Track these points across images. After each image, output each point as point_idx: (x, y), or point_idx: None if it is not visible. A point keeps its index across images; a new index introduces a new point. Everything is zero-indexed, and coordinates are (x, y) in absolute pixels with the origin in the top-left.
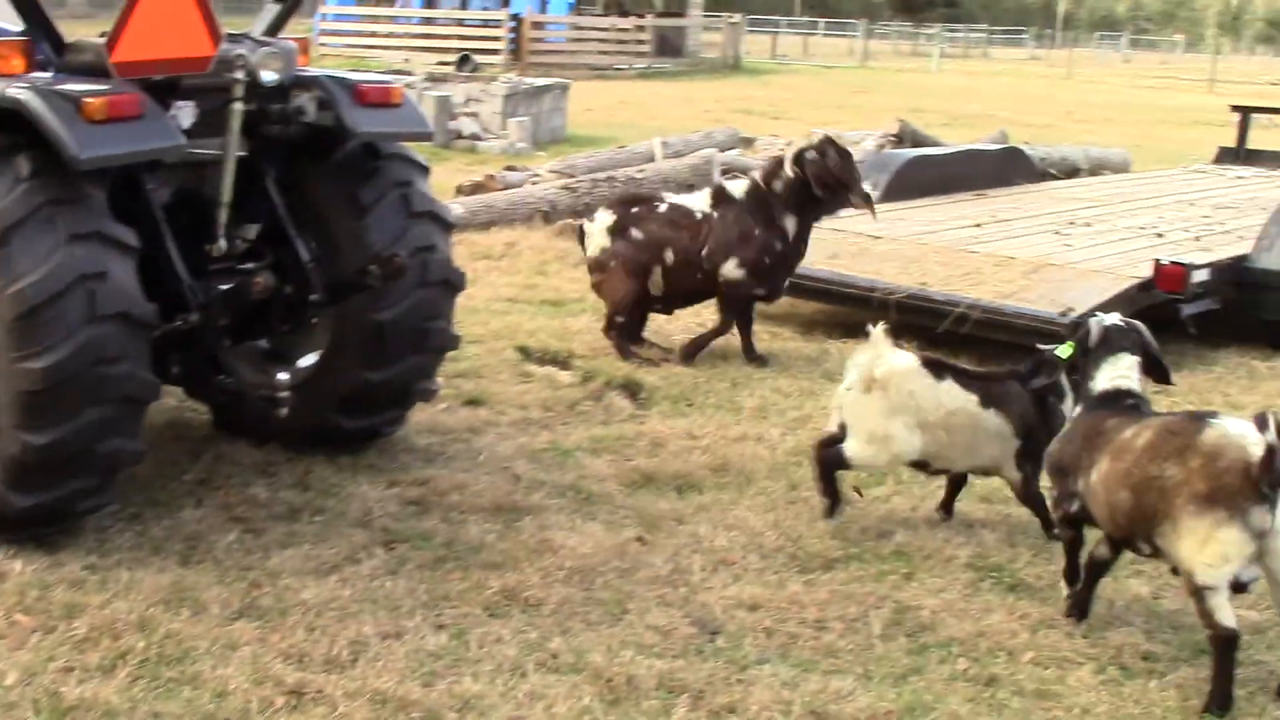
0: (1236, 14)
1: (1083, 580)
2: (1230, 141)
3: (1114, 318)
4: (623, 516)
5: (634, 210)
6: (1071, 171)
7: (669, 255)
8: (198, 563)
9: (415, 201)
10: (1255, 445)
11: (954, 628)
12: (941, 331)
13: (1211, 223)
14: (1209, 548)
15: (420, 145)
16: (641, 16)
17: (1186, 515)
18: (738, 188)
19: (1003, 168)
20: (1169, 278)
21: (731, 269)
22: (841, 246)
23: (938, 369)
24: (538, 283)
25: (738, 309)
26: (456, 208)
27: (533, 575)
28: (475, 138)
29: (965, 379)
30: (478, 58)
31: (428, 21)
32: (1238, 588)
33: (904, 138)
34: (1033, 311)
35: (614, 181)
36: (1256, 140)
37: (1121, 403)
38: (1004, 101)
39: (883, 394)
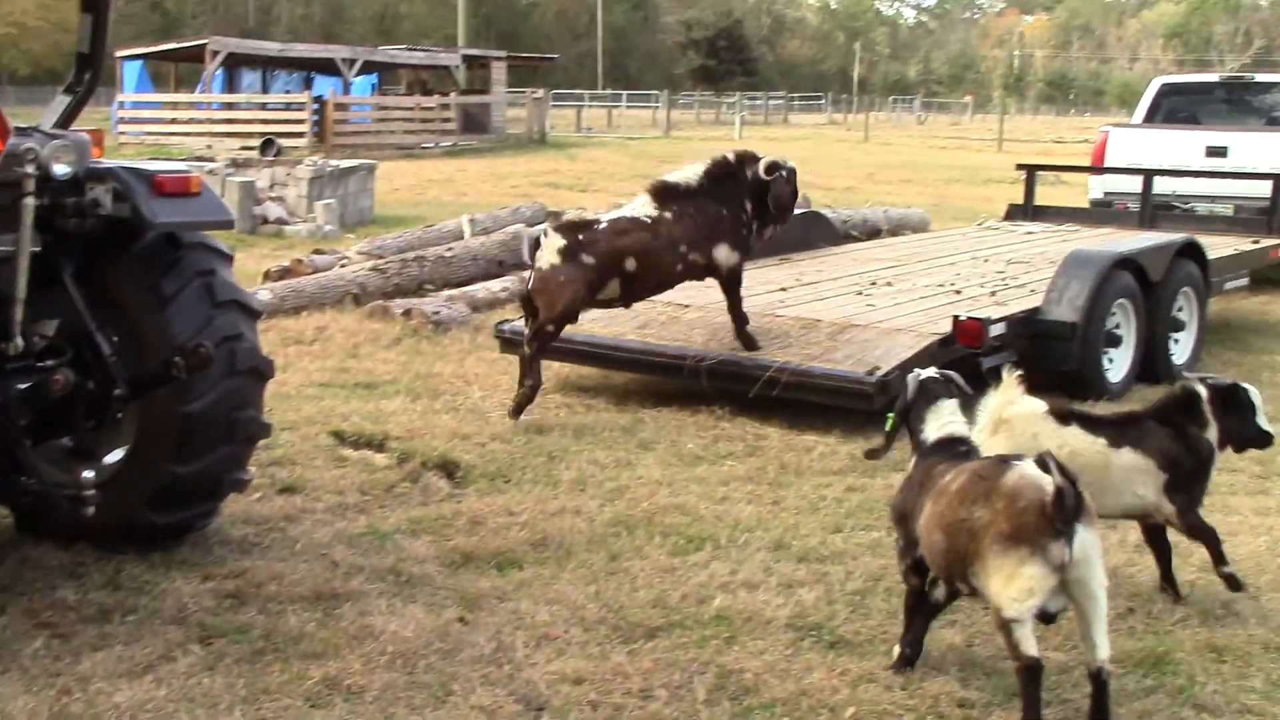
0: (1019, 75)
1: (915, 625)
2: (1019, 199)
3: (929, 371)
4: (444, 597)
5: (581, 236)
6: (873, 232)
7: (630, 263)
8: (1, 673)
9: (219, 290)
10: (1049, 485)
11: (776, 689)
12: (753, 396)
13: (1005, 278)
14: (1014, 583)
15: (226, 232)
16: (446, 95)
17: (993, 554)
18: (688, 180)
19: (805, 231)
20: (967, 333)
21: (725, 255)
22: (651, 316)
23: (1063, 415)
24: (350, 366)
25: (739, 287)
26: (264, 294)
27: (354, 662)
28: (282, 222)
29: (1091, 423)
30: (282, 141)
31: (229, 106)
32: (1046, 619)
33: None
34: (840, 372)
35: (423, 261)
36: (1043, 196)
37: (954, 449)
38: (805, 165)
39: (1008, 435)
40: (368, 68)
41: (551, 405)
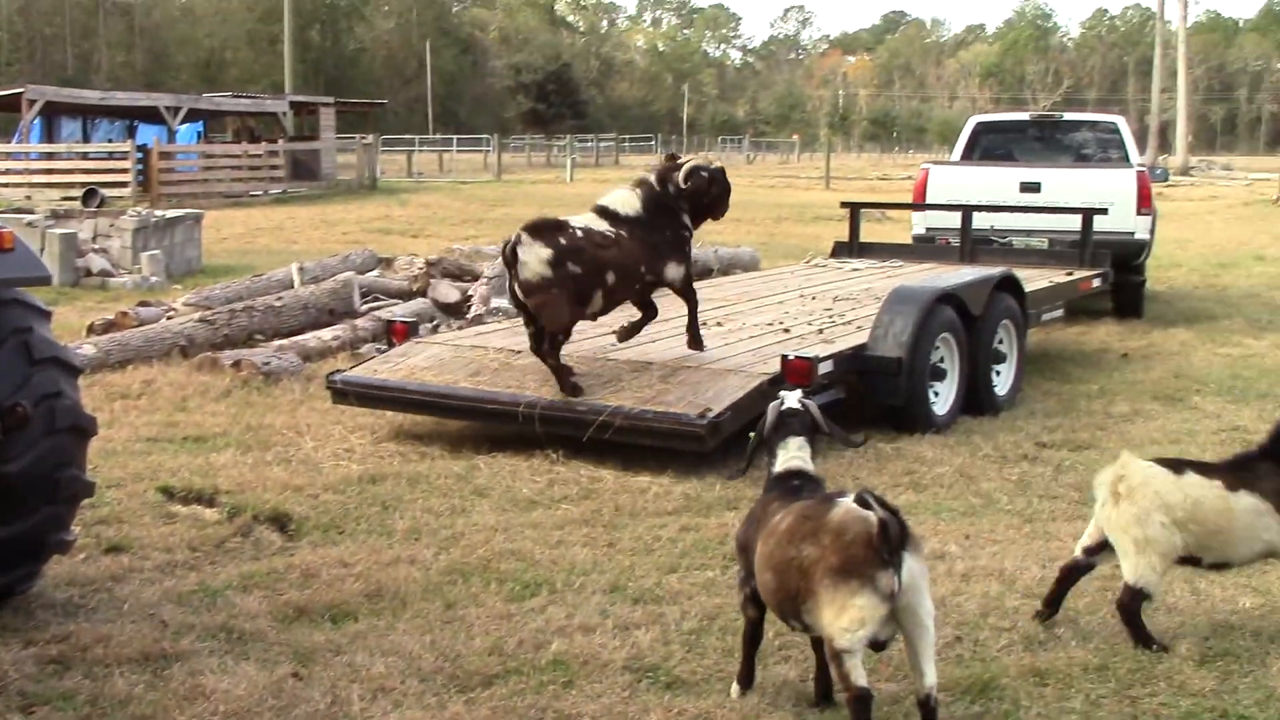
0: (844, 115)
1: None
2: (845, 236)
3: (792, 399)
4: (277, 653)
5: (564, 242)
6: (703, 273)
7: (610, 276)
8: None
9: (36, 348)
10: (874, 519)
11: None
12: (587, 440)
13: (833, 315)
14: (846, 614)
15: (47, 286)
16: (274, 141)
17: (824, 588)
18: (629, 205)
19: None
20: (796, 371)
21: (674, 270)
22: (483, 363)
23: (1176, 466)
24: (179, 420)
25: (694, 294)
26: (88, 348)
27: None
28: (106, 274)
29: (1205, 469)
30: (105, 191)
31: (48, 156)
32: (876, 647)
33: None
34: (673, 415)
35: (253, 311)
36: (870, 233)
37: (789, 483)
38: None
39: (1131, 502)
40: (193, 115)
41: (385, 454)
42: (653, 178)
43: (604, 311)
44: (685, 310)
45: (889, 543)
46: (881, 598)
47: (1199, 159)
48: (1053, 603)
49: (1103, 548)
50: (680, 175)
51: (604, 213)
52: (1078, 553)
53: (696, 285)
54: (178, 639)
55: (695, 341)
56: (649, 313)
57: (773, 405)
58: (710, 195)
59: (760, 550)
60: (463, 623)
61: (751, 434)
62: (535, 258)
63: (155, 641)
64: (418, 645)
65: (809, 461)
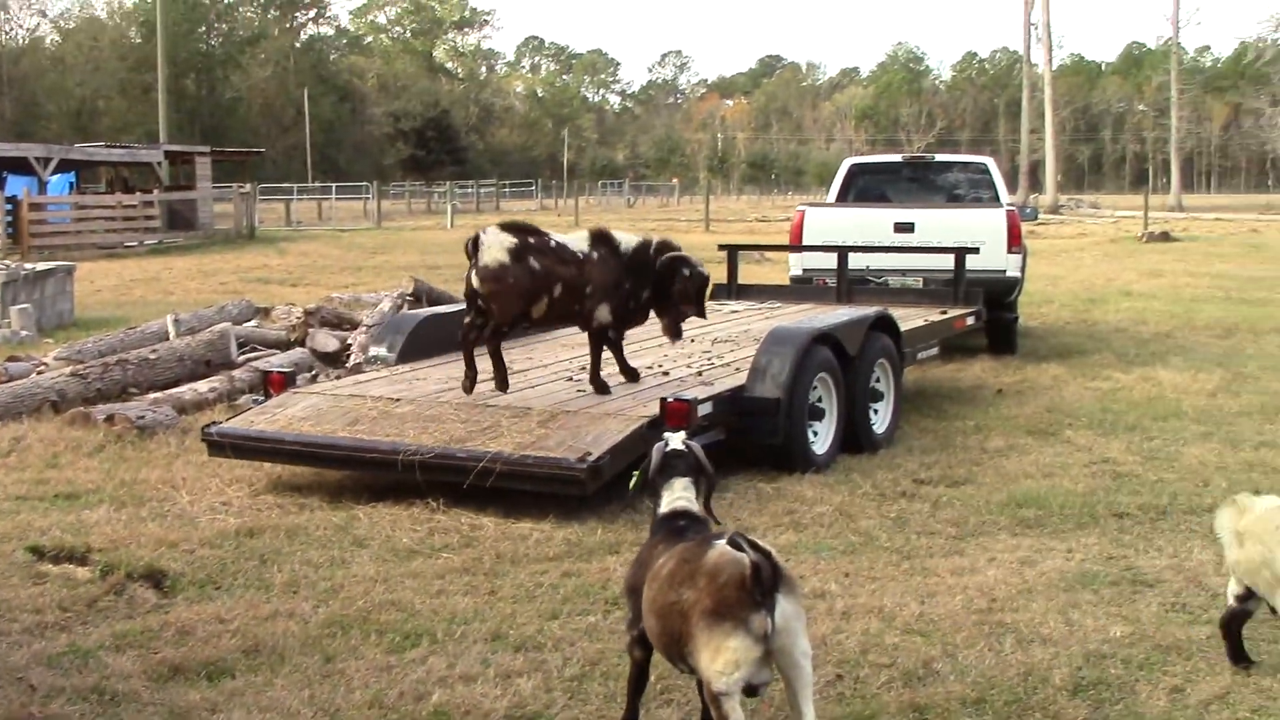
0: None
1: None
2: (723, 278)
3: (676, 440)
4: (151, 713)
5: (531, 240)
6: None
7: (559, 289)
8: None
9: None
10: (747, 561)
11: None
12: (467, 487)
13: (711, 357)
14: (721, 656)
15: None
16: (149, 191)
17: (700, 631)
18: (626, 240)
19: None
20: (675, 414)
21: (604, 313)
22: (361, 412)
23: None
24: (50, 477)
25: (601, 341)
26: None
27: None
28: None
29: None
30: None
31: None
32: (751, 692)
33: (420, 296)
34: (553, 459)
35: (126, 364)
36: (751, 274)
37: (674, 524)
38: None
39: (1256, 541)
40: (65, 165)
41: (263, 506)
42: (655, 242)
43: (544, 320)
44: (569, 357)
45: (761, 584)
46: (755, 639)
47: (1068, 197)
48: (1237, 655)
49: (1251, 594)
50: (666, 257)
51: (598, 237)
52: (1232, 602)
53: (574, 330)
54: (47, 703)
55: (595, 384)
56: (595, 354)
57: (657, 446)
58: (679, 291)
59: (645, 594)
60: (342, 676)
61: (635, 473)
62: (498, 244)
63: (22, 707)
64: (296, 701)
65: (694, 502)
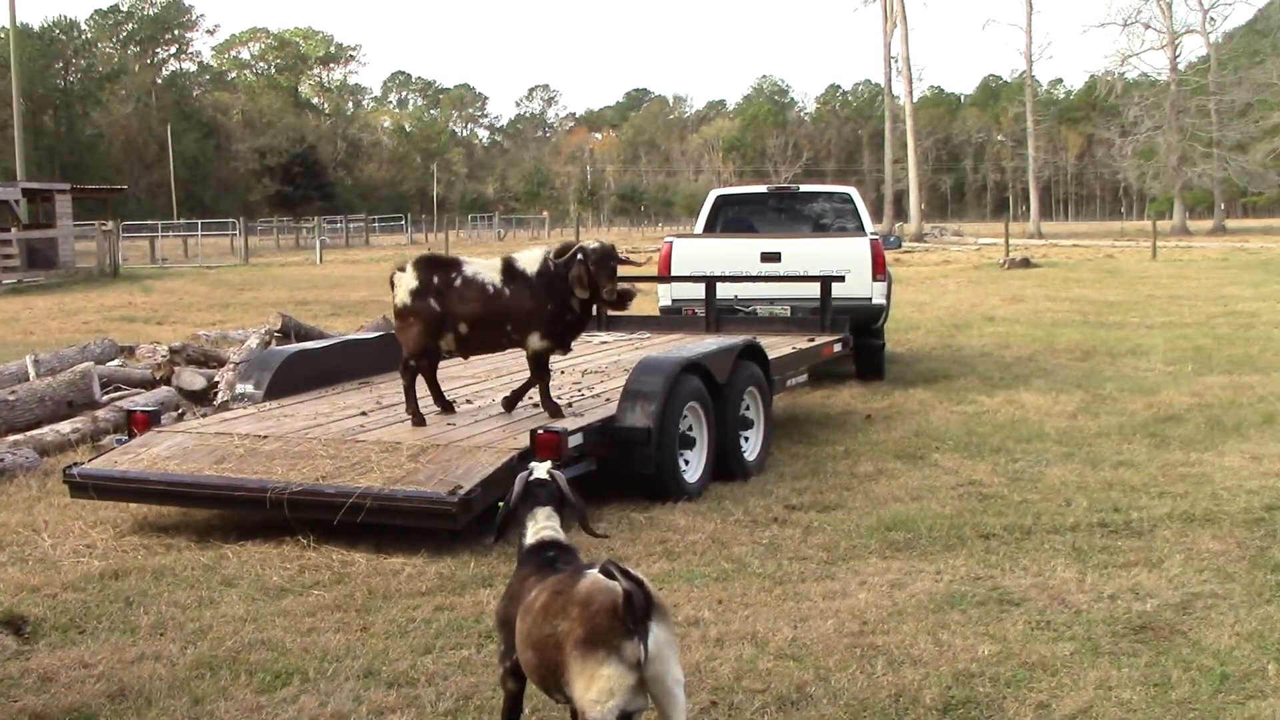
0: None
1: None
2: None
3: (540, 469)
4: None
5: (435, 279)
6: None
7: (462, 327)
8: None
9: None
10: (619, 589)
11: None
12: (337, 524)
13: (581, 388)
14: (595, 685)
15: None
16: (6, 230)
17: (574, 660)
18: (530, 262)
19: (384, 353)
20: (546, 445)
21: (535, 341)
22: (228, 450)
23: None
24: None
25: (542, 367)
26: None
27: None
28: None
29: None
30: None
31: None
32: (626, 719)
33: (288, 332)
34: (423, 494)
35: None
36: None
37: (544, 554)
38: (387, 287)
39: None
40: None
41: (129, 548)
42: (554, 251)
43: (462, 352)
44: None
45: (634, 612)
46: (628, 667)
47: (932, 226)
48: None
49: None
50: (553, 252)
51: (508, 265)
52: None
53: (447, 362)
54: None
55: (547, 406)
56: (531, 380)
57: (520, 476)
58: (574, 274)
59: (519, 627)
60: (211, 718)
61: (501, 503)
62: (404, 287)
63: None
64: None
65: (560, 530)
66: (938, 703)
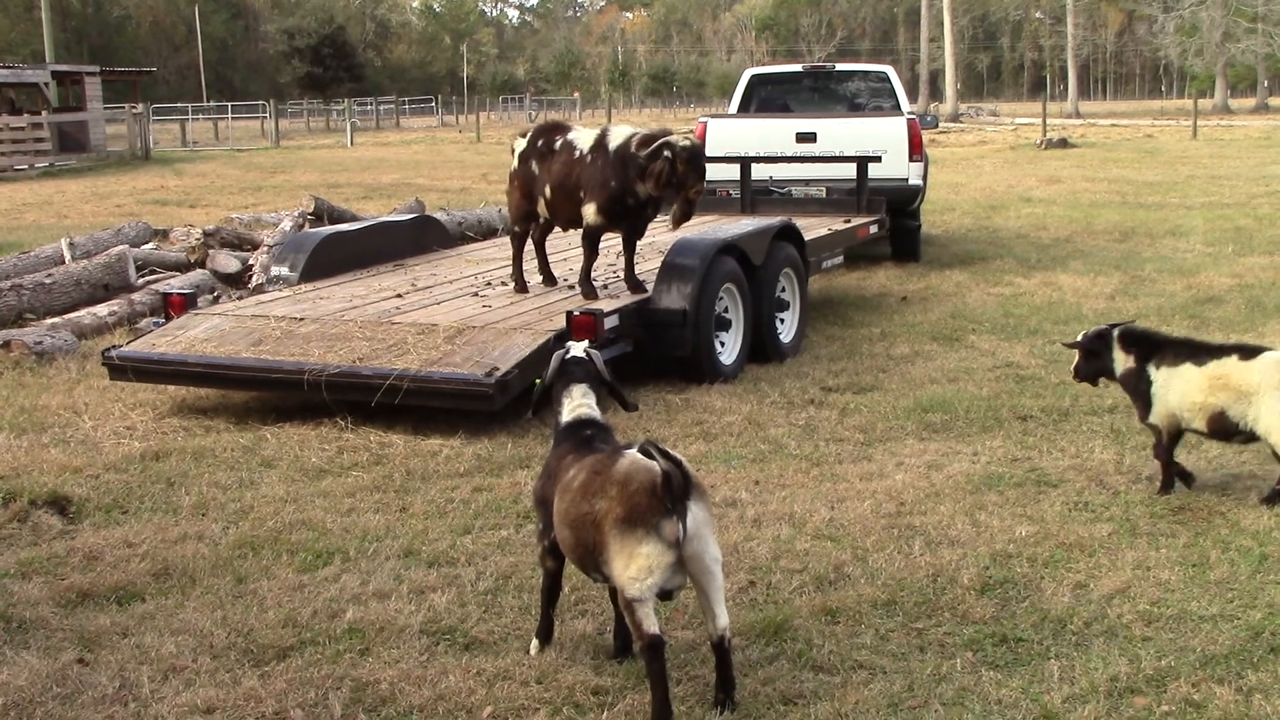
0: (624, 71)
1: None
2: None
3: (576, 349)
4: (60, 639)
5: (540, 143)
6: (488, 233)
7: (548, 191)
8: None
9: None
10: (658, 469)
11: (413, 696)
12: (375, 405)
13: (616, 270)
14: (634, 563)
15: None
16: (37, 113)
17: (613, 538)
18: (616, 138)
19: (418, 236)
20: (582, 327)
21: (590, 213)
22: (265, 332)
23: None
24: None
25: (591, 245)
26: None
27: None
28: None
29: None
30: None
31: None
32: (665, 596)
33: (321, 214)
34: (460, 375)
35: (21, 289)
36: None
37: (581, 433)
38: (419, 169)
39: None
40: None
41: (168, 430)
42: (638, 136)
43: (553, 218)
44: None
45: (672, 491)
46: (666, 545)
47: (968, 106)
48: None
49: None
50: (635, 143)
51: (600, 136)
52: None
53: (479, 245)
54: None
55: (582, 285)
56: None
57: (557, 354)
58: (675, 174)
59: (557, 506)
60: (254, 596)
61: (537, 381)
62: (515, 150)
63: None
64: (208, 622)
65: (596, 409)
66: (975, 582)
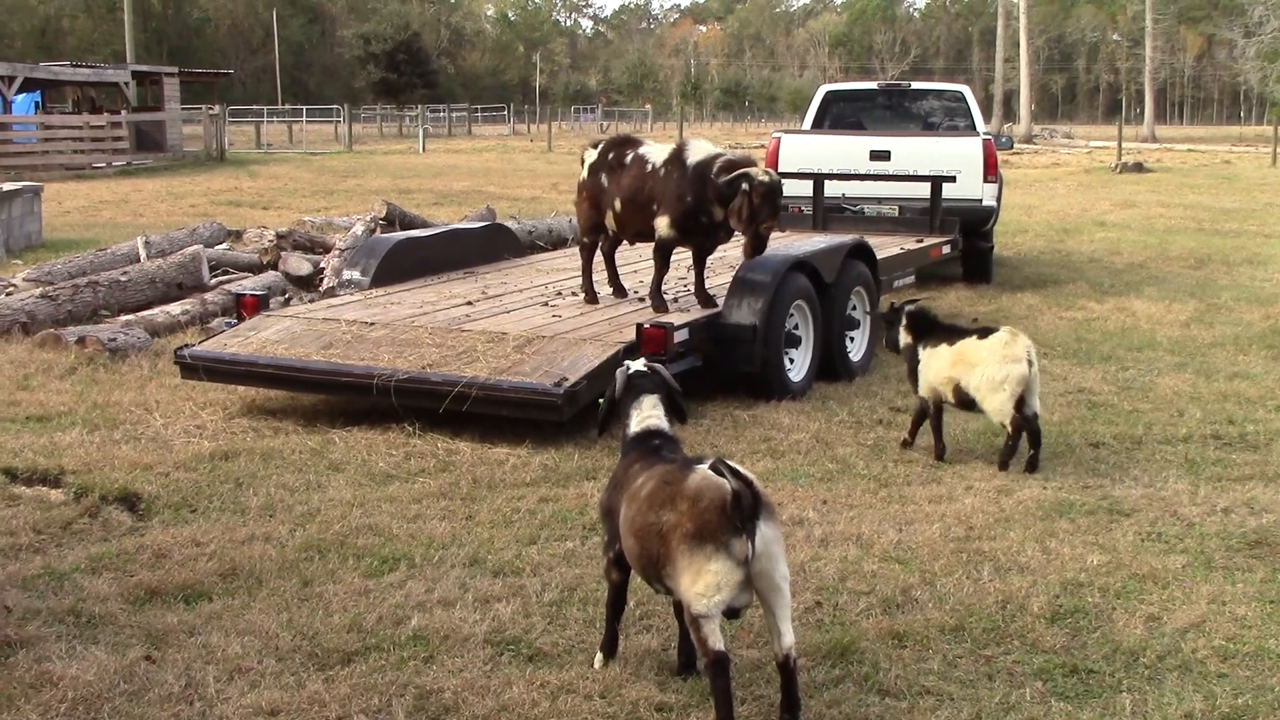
0: (696, 84)
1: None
2: None
3: (639, 363)
4: (128, 636)
5: (611, 155)
6: (559, 242)
7: (618, 203)
8: None
9: None
10: (729, 486)
11: (476, 706)
12: (443, 412)
13: (687, 284)
14: (702, 579)
15: None
16: (116, 112)
17: (681, 554)
18: (695, 154)
19: (489, 244)
20: (652, 340)
21: (663, 226)
22: (336, 336)
23: None
24: (21, 399)
25: (663, 258)
26: None
27: (31, 713)
28: None
29: None
30: None
31: None
32: (733, 614)
33: (392, 220)
34: (529, 385)
35: (97, 286)
36: None
37: (649, 443)
38: (490, 177)
39: None
40: (29, 85)
41: (238, 430)
42: (723, 158)
43: (622, 232)
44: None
45: (742, 510)
46: (736, 563)
47: (1042, 127)
48: None
49: None
50: (718, 167)
51: (676, 151)
52: None
53: (550, 255)
54: (22, 625)
55: (653, 300)
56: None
57: (620, 370)
58: (750, 207)
59: (624, 514)
60: (320, 600)
61: (600, 399)
62: (586, 161)
63: None
64: (274, 624)
65: (664, 420)
66: (1045, 611)
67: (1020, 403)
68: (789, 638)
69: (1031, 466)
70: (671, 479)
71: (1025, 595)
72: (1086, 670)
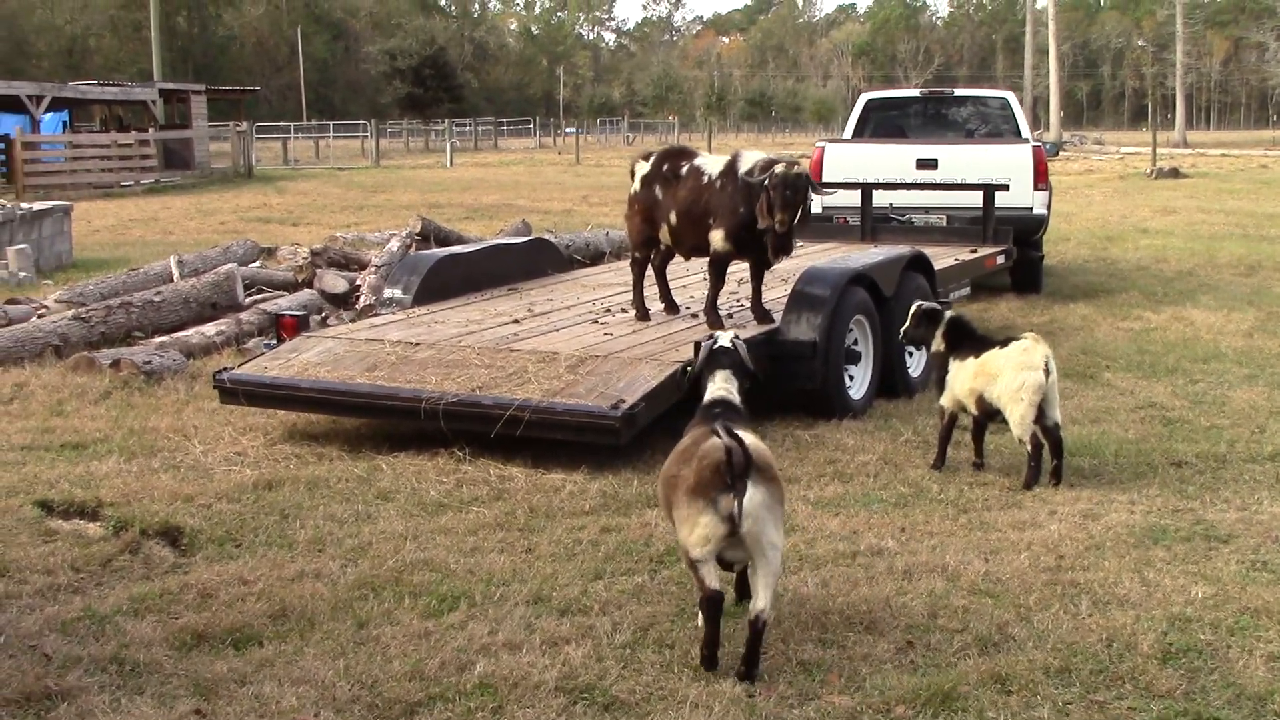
0: (720, 95)
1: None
2: None
3: (724, 338)
4: (175, 685)
5: (665, 167)
6: (597, 256)
7: (673, 217)
8: None
9: None
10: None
11: None
12: (494, 436)
13: (739, 298)
14: (695, 530)
15: None
16: (144, 130)
17: (681, 505)
18: (745, 162)
19: (532, 259)
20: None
21: (718, 239)
22: (380, 357)
23: None
24: (55, 425)
25: (719, 272)
26: None
27: None
28: None
29: None
30: None
31: None
32: (726, 566)
33: (428, 235)
34: (585, 408)
35: (130, 307)
36: None
37: (711, 410)
38: (519, 190)
39: None
40: (57, 104)
41: (281, 457)
42: (760, 160)
43: (676, 245)
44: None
45: (732, 469)
46: (721, 519)
47: (1071, 133)
48: None
49: None
50: (746, 167)
51: (730, 162)
52: None
53: (594, 270)
54: (63, 674)
55: (708, 314)
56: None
57: (705, 343)
58: (767, 201)
59: (664, 466)
60: (377, 643)
61: (688, 368)
62: (637, 174)
63: (38, 679)
64: (330, 671)
65: (734, 393)
66: (1155, 650)
67: (1039, 414)
68: (763, 602)
69: (1056, 477)
70: (698, 438)
71: (1131, 632)
72: (1210, 718)
